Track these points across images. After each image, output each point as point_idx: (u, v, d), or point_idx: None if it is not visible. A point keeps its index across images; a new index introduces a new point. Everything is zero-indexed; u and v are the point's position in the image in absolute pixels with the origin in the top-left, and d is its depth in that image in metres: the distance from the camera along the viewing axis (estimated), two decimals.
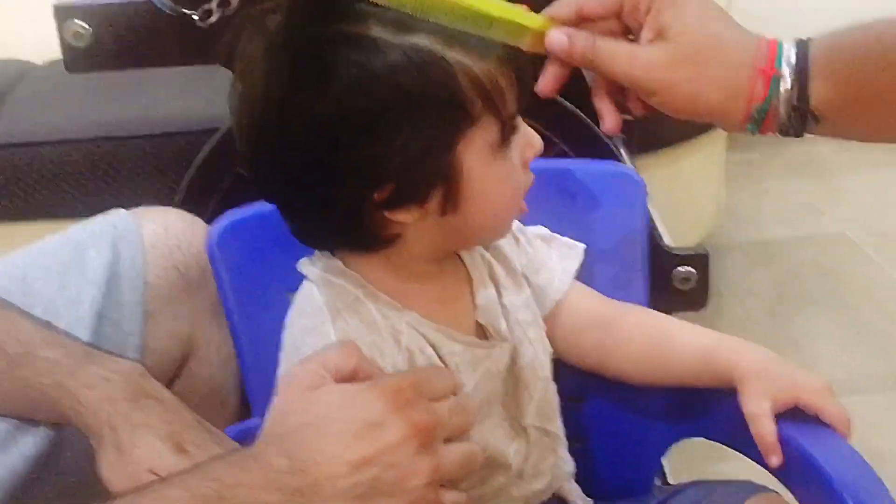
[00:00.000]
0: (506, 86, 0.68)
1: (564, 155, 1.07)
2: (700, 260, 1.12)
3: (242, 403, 0.95)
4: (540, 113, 0.76)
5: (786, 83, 0.64)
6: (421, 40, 0.65)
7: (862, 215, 2.32)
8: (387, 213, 0.69)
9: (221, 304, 0.87)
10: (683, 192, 1.95)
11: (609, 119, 0.73)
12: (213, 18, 0.64)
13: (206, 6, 0.64)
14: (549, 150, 1.06)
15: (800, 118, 0.65)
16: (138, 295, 0.87)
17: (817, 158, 2.64)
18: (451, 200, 0.69)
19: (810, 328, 1.91)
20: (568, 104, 1.08)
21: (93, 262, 0.86)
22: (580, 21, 0.70)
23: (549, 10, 0.71)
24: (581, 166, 0.92)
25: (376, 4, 0.64)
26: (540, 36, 0.70)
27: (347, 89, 0.64)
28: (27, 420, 0.77)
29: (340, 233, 0.73)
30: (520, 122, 0.72)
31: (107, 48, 1.01)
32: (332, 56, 0.65)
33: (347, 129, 0.65)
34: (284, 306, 0.77)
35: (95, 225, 0.91)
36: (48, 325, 0.78)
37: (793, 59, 0.65)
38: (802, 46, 0.66)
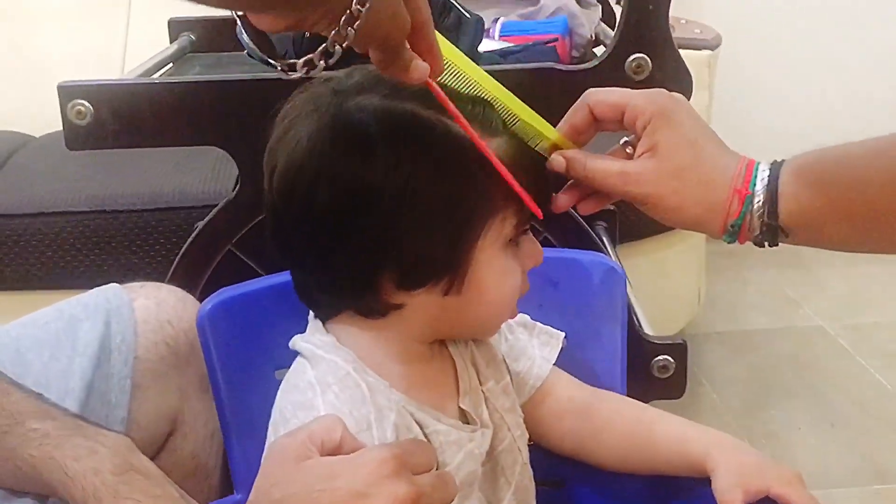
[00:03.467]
0: (530, 187, 0.72)
1: (549, 244, 1.10)
2: (678, 349, 1.15)
3: (225, 480, 0.96)
4: None
5: (758, 202, 0.71)
6: (456, 126, 0.69)
7: (839, 309, 2.36)
8: (394, 288, 0.71)
9: (209, 381, 0.88)
10: (665, 281, 1.99)
11: (561, 202, 0.80)
12: (296, 75, 0.67)
13: (292, 61, 0.67)
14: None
15: (770, 232, 0.72)
16: (128, 369, 0.89)
17: (796, 252, 2.64)
18: (457, 284, 0.72)
19: (787, 419, 1.93)
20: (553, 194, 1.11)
21: (85, 335, 0.88)
22: (594, 122, 0.77)
23: (568, 115, 0.78)
24: (564, 256, 0.94)
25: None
26: (553, 147, 0.78)
27: (386, 161, 0.67)
28: (14, 490, 0.77)
29: (347, 296, 0.75)
30: (528, 230, 0.76)
31: (107, 127, 1.04)
32: (374, 127, 0.68)
33: (378, 201, 0.68)
34: (271, 384, 0.79)
35: (89, 298, 0.93)
36: (38, 397, 0.79)
37: (766, 180, 0.71)
38: (775, 168, 0.72)
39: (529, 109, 0.75)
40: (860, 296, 2.43)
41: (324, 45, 0.61)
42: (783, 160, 0.73)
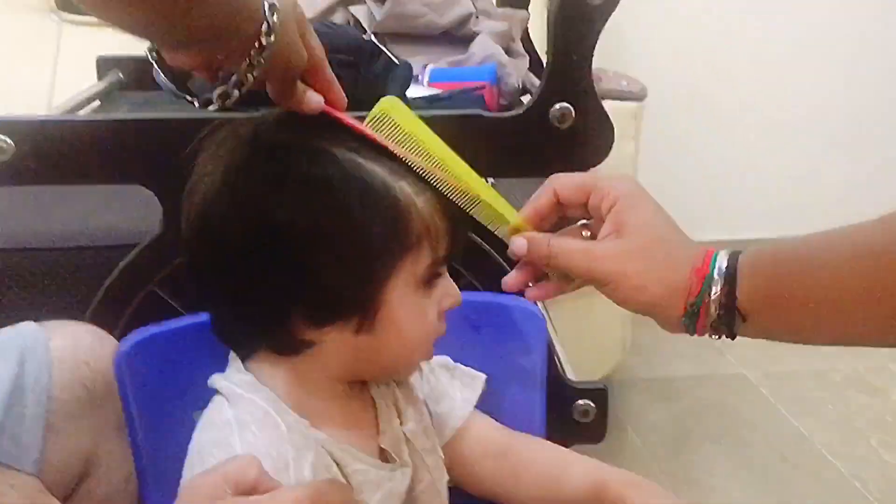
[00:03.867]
0: (441, 227, 0.73)
1: (472, 287, 1.11)
2: (599, 394, 1.15)
3: None
4: None
5: (717, 283, 0.72)
6: (375, 168, 0.70)
7: (760, 357, 2.40)
8: (305, 325, 0.72)
9: (125, 422, 0.87)
10: (591, 327, 2.00)
11: (513, 283, 0.80)
12: (213, 108, 0.69)
13: (207, 96, 0.70)
14: (458, 282, 1.10)
15: (728, 316, 0.72)
16: (41, 409, 0.87)
17: None
18: (368, 324, 0.72)
19: (708, 464, 1.95)
20: (477, 238, 1.12)
21: None
22: (557, 206, 0.78)
23: (532, 199, 0.78)
24: (486, 300, 0.95)
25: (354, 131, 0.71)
26: (514, 230, 0.78)
27: (297, 198, 0.68)
28: None
29: (259, 332, 0.75)
30: (444, 271, 0.76)
31: (28, 164, 1.03)
32: (290, 163, 0.69)
33: (288, 237, 0.68)
34: (189, 425, 0.78)
35: (3, 335, 0.91)
36: None
37: (724, 265, 0.72)
38: (733, 256, 0.74)
39: (493, 191, 0.76)
40: (781, 344, 2.46)
41: (234, 76, 0.65)
42: (739, 251, 0.75)
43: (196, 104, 0.71)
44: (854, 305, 0.67)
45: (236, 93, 0.68)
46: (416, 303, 0.74)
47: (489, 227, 0.77)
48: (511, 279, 0.79)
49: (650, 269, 0.73)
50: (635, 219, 0.74)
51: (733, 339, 0.74)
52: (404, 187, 0.71)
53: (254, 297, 0.72)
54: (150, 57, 0.71)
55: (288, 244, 0.69)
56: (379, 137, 0.73)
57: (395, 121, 0.72)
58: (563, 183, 0.77)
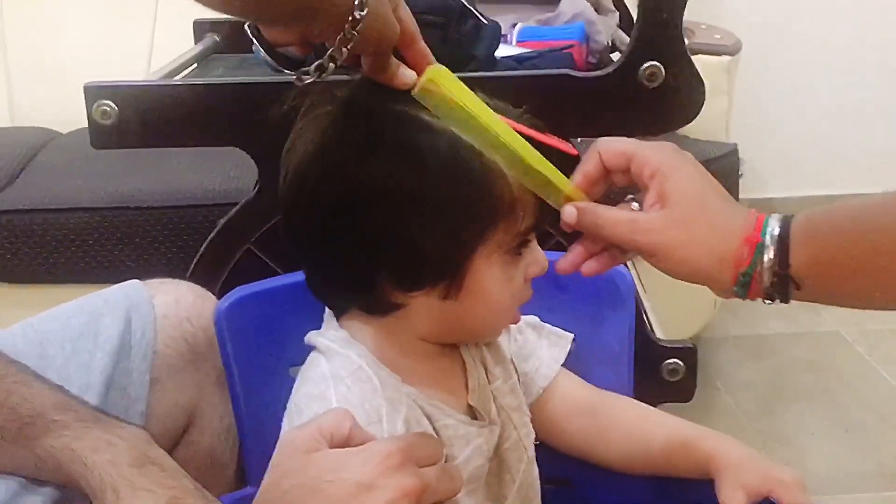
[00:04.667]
0: (531, 199, 0.74)
1: (560, 247, 1.12)
2: (688, 353, 1.16)
3: (240, 474, 0.99)
4: None
5: (769, 251, 0.69)
6: (467, 136, 0.71)
7: (856, 314, 2.35)
8: (392, 288, 0.74)
9: (225, 376, 0.91)
10: (681, 285, 1.98)
11: (566, 265, 0.77)
12: (309, 80, 0.71)
13: (304, 69, 0.72)
14: (546, 242, 1.11)
15: (782, 284, 0.70)
16: (147, 364, 0.91)
17: None
18: (454, 289, 0.74)
19: (801, 424, 1.93)
20: None
21: (106, 329, 0.90)
22: (604, 172, 0.76)
23: (581, 164, 0.77)
24: None
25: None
26: (567, 199, 0.75)
27: (388, 163, 0.70)
28: (34, 479, 0.79)
29: (350, 292, 0.77)
30: (533, 238, 0.77)
31: (131, 127, 1.07)
32: (384, 129, 0.71)
33: (379, 201, 0.70)
34: (286, 381, 0.81)
35: (110, 294, 0.95)
36: (60, 389, 0.81)
37: (776, 231, 0.70)
38: (786, 220, 0.71)
39: (545, 160, 0.74)
40: None
41: (331, 49, 0.67)
42: (792, 215, 0.72)
43: (294, 75, 0.73)
44: None
45: (332, 66, 0.70)
46: (502, 271, 0.75)
47: (543, 195, 0.75)
48: (565, 262, 0.77)
49: (695, 240, 0.70)
50: (677, 187, 0.72)
51: (787, 303, 0.72)
52: (493, 157, 0.71)
53: (344, 258, 0.74)
54: (248, 31, 0.73)
55: (378, 209, 0.70)
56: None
57: (443, 92, 0.71)
58: (607, 148, 0.75)
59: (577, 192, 0.76)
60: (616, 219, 0.73)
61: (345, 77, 0.76)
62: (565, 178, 0.76)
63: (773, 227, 0.70)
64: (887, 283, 0.68)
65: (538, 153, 0.73)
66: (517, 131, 0.73)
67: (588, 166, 0.76)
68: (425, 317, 0.76)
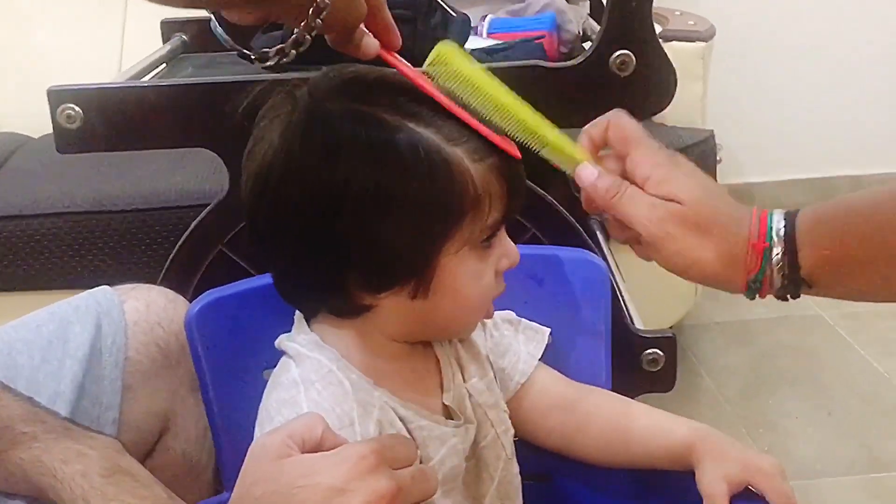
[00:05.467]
0: (496, 192, 0.72)
1: (536, 240, 1.11)
2: (667, 342, 1.15)
3: (217, 478, 0.97)
4: None
5: (777, 254, 0.69)
6: (426, 132, 0.70)
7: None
8: (361, 289, 0.73)
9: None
10: (662, 272, 1.98)
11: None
12: (270, 63, 0.70)
13: (264, 51, 0.71)
14: (522, 235, 1.11)
15: (793, 285, 0.70)
16: (118, 370, 0.90)
17: None
18: (423, 288, 0.73)
19: (784, 408, 1.93)
20: (540, 191, 1.12)
21: (76, 337, 0.89)
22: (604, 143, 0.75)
23: (590, 127, 0.76)
24: (548, 252, 0.95)
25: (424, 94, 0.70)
26: (574, 166, 0.75)
27: (350, 165, 0.68)
28: (4, 493, 0.78)
29: (318, 295, 0.76)
30: (502, 231, 0.76)
31: (97, 130, 1.05)
32: (345, 130, 0.69)
33: (342, 203, 0.69)
34: (259, 384, 0.80)
35: (80, 300, 0.94)
36: (28, 400, 0.80)
37: (782, 232, 0.69)
38: (790, 217, 0.70)
39: (560, 133, 0.74)
40: None
41: (294, 35, 0.66)
42: (797, 210, 0.71)
43: (252, 59, 0.71)
44: None
45: (293, 52, 0.69)
46: (471, 266, 0.74)
47: (561, 167, 0.74)
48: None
49: (705, 244, 0.70)
50: (684, 188, 0.70)
51: (797, 298, 0.71)
52: (458, 153, 0.70)
53: (310, 261, 0.73)
54: (207, 11, 0.72)
55: (342, 210, 0.69)
56: (431, 88, 0.72)
57: (453, 67, 0.71)
58: (616, 124, 0.74)
59: (589, 158, 0.75)
60: (634, 195, 0.71)
61: (306, 74, 0.75)
62: (584, 150, 0.75)
63: (779, 229, 0.69)
64: (893, 280, 0.67)
65: (546, 121, 0.73)
66: None
67: (595, 132, 0.75)
68: (396, 317, 0.75)
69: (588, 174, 0.73)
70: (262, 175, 0.72)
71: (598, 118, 0.76)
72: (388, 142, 0.69)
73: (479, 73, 0.73)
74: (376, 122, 0.69)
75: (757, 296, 0.72)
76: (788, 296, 0.71)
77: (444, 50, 0.72)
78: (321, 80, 0.73)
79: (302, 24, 0.66)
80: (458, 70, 0.72)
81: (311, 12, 0.65)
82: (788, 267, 0.68)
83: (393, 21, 0.75)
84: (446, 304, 0.74)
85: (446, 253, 0.72)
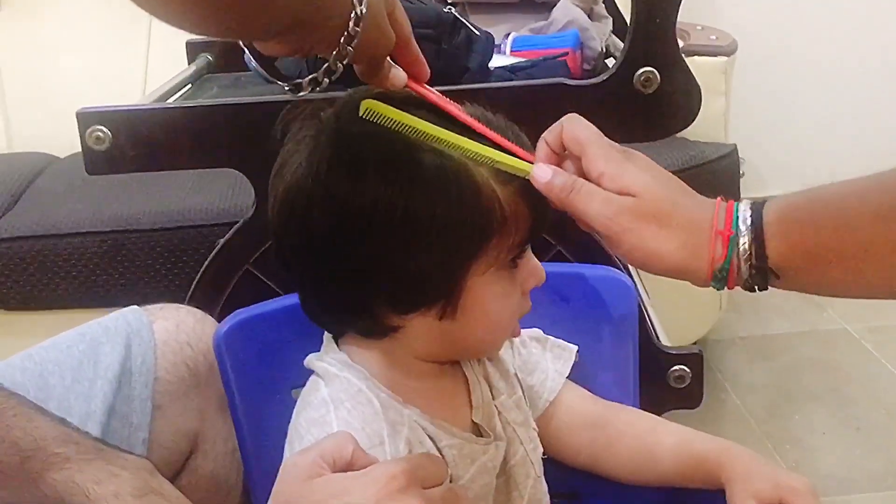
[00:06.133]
0: (522, 213, 0.73)
1: (561, 257, 1.11)
2: (694, 359, 1.15)
3: (246, 498, 0.98)
4: None
5: (744, 243, 0.68)
6: (453, 153, 0.70)
7: (863, 311, 2.34)
8: (388, 311, 0.73)
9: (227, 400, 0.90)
10: (686, 288, 1.97)
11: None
12: (304, 94, 0.71)
13: (297, 81, 0.71)
14: (547, 253, 1.11)
15: (760, 275, 0.68)
16: (148, 390, 0.90)
17: None
18: (451, 309, 0.73)
19: (810, 423, 1.92)
20: None
21: (106, 357, 0.90)
22: (562, 148, 0.75)
23: (547, 133, 0.76)
24: (575, 271, 0.95)
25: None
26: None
27: (377, 187, 0.69)
28: None
29: (346, 316, 0.77)
30: (528, 250, 0.76)
31: (125, 152, 1.06)
32: (371, 151, 0.70)
33: (369, 225, 0.69)
34: (288, 403, 0.81)
35: (109, 321, 0.94)
36: (61, 421, 0.81)
37: (749, 221, 0.68)
38: (757, 208, 0.69)
39: (504, 154, 0.73)
40: None
41: (326, 64, 0.66)
42: (764, 200, 0.70)
43: (286, 89, 0.72)
44: (893, 259, 0.64)
45: (326, 81, 0.69)
46: (498, 286, 0.74)
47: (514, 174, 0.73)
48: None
49: (665, 234, 0.68)
50: (638, 180, 0.70)
51: (766, 290, 0.70)
52: (484, 174, 0.71)
53: (338, 283, 0.73)
54: (241, 43, 0.72)
55: (369, 232, 0.70)
56: (459, 112, 0.73)
57: (386, 114, 0.71)
58: (569, 128, 0.73)
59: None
60: (591, 191, 0.71)
61: (333, 94, 0.75)
62: (526, 163, 0.74)
63: (745, 218, 0.68)
64: (865, 273, 0.66)
65: (494, 148, 0.72)
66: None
67: (550, 137, 0.75)
68: (423, 337, 0.76)
69: (542, 174, 0.73)
70: (288, 197, 0.73)
71: (552, 126, 0.76)
72: (414, 164, 0.69)
73: (407, 116, 0.71)
74: (403, 143, 0.70)
75: (724, 288, 0.70)
76: (756, 287, 0.70)
77: (368, 104, 0.71)
78: (347, 101, 0.73)
79: (334, 52, 0.67)
80: (391, 115, 0.71)
81: (342, 41, 0.65)
82: (756, 257, 0.68)
83: (421, 53, 0.75)
84: (474, 324, 0.75)
85: (473, 274, 0.72)
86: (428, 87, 0.76)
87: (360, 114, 0.70)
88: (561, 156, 0.75)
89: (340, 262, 0.72)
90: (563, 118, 0.75)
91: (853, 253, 0.66)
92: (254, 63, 0.77)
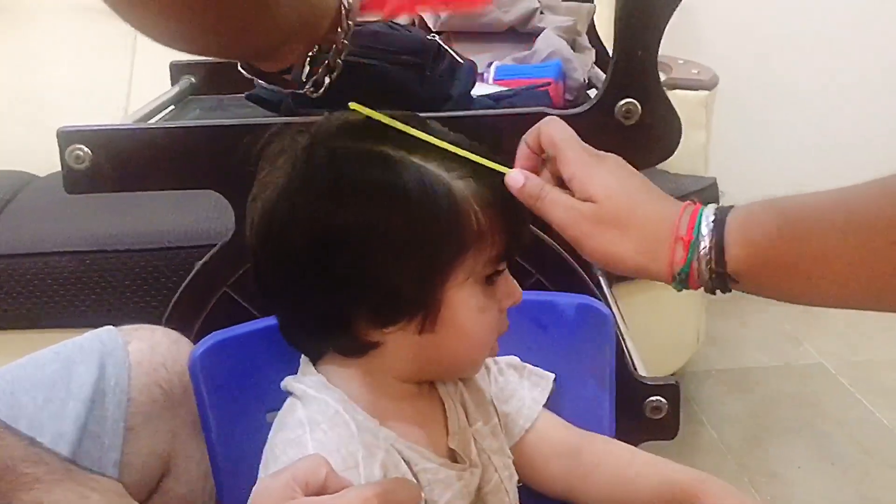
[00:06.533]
0: (499, 226, 0.73)
1: (540, 285, 1.11)
2: (671, 390, 1.15)
3: None
4: None
5: (704, 248, 0.70)
6: (431, 166, 0.71)
7: (839, 346, 2.36)
8: (368, 326, 0.73)
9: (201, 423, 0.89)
10: (663, 320, 1.99)
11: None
12: (315, 94, 0.72)
13: (298, 91, 0.72)
14: (527, 281, 1.11)
15: (720, 280, 0.71)
16: (121, 411, 0.89)
17: None
18: (430, 322, 0.73)
19: (786, 457, 1.92)
20: (545, 237, 1.12)
21: (79, 377, 0.89)
22: (540, 150, 0.78)
23: (526, 135, 0.79)
24: (552, 299, 0.95)
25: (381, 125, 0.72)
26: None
27: (352, 203, 0.70)
28: None
29: (325, 334, 0.77)
30: (505, 270, 0.77)
31: (105, 171, 1.05)
32: (345, 170, 0.71)
33: (346, 242, 0.70)
34: (263, 427, 0.80)
35: (84, 341, 0.94)
36: (31, 441, 0.80)
37: (711, 226, 0.70)
38: (722, 213, 0.71)
39: (480, 157, 0.75)
40: (860, 332, 2.43)
41: (326, 61, 0.67)
42: (731, 206, 0.73)
43: (303, 92, 0.73)
44: (849, 273, 0.66)
45: (327, 80, 0.70)
46: (477, 301, 0.75)
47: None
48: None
49: (625, 239, 0.72)
50: (602, 186, 0.73)
51: (728, 292, 0.72)
52: (461, 186, 0.72)
53: (317, 301, 0.74)
54: (244, 73, 0.73)
55: (346, 249, 0.70)
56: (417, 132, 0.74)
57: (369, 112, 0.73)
58: (546, 130, 0.77)
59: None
60: (559, 200, 0.74)
61: (310, 119, 0.76)
62: (508, 168, 0.77)
63: (709, 223, 0.70)
64: (821, 285, 0.68)
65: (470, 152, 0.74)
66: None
67: (530, 139, 0.78)
68: (403, 353, 0.76)
69: (514, 180, 0.76)
70: (266, 218, 0.73)
71: (531, 129, 0.79)
72: (391, 179, 0.70)
73: (391, 120, 0.74)
74: (380, 159, 0.71)
75: (686, 288, 0.73)
76: (717, 290, 0.72)
77: (355, 105, 0.73)
78: (324, 122, 0.74)
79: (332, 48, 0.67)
80: (374, 117, 0.73)
81: (339, 34, 0.66)
82: (715, 262, 0.70)
83: None
84: (453, 338, 0.75)
85: (451, 286, 0.73)
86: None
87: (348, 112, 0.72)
88: (539, 157, 0.78)
89: (319, 278, 0.72)
90: (541, 121, 0.78)
91: (810, 264, 0.68)
92: (263, 84, 0.78)
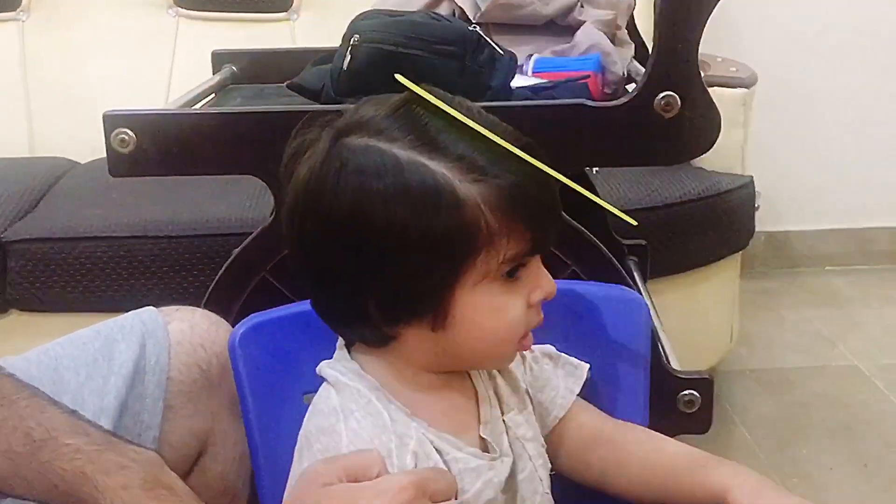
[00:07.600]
0: (517, 227, 0.72)
1: (576, 276, 1.11)
2: (704, 384, 1.15)
3: (253, 501, 0.98)
4: None
5: None
6: (438, 167, 0.70)
7: (874, 349, 2.34)
8: (380, 320, 0.74)
9: (239, 403, 0.91)
10: (697, 317, 1.98)
11: None
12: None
13: None
14: (562, 272, 1.11)
15: None
16: (160, 390, 0.91)
17: (832, 290, 2.67)
18: (441, 321, 0.74)
19: (818, 459, 1.91)
20: (582, 229, 1.12)
21: (121, 355, 0.91)
22: None
23: None
24: (588, 289, 0.95)
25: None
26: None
27: (360, 197, 0.70)
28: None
29: (347, 323, 0.78)
30: (532, 262, 0.76)
31: (149, 155, 1.07)
32: (354, 164, 0.71)
33: (350, 237, 0.71)
34: (300, 408, 0.81)
35: (125, 320, 0.95)
36: (73, 413, 0.81)
37: None
38: None
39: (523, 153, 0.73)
40: (895, 336, 2.41)
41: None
42: None
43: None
44: None
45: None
46: (493, 299, 0.74)
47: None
48: None
49: None
50: None
51: None
52: (472, 190, 0.70)
53: (334, 292, 0.76)
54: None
55: (354, 243, 0.72)
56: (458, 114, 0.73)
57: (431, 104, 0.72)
58: None
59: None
60: None
61: (344, 107, 0.77)
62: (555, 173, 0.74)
63: None
64: None
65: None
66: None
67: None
68: (420, 348, 0.76)
69: None
70: (289, 209, 0.75)
71: None
72: (400, 178, 0.70)
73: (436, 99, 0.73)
74: (391, 159, 0.71)
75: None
76: None
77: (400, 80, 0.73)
78: (348, 115, 0.75)
79: None
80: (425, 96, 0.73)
81: None
82: None
83: None
84: (467, 336, 0.75)
85: (461, 287, 0.73)
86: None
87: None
88: None
89: (332, 272, 0.74)
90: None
91: None
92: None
